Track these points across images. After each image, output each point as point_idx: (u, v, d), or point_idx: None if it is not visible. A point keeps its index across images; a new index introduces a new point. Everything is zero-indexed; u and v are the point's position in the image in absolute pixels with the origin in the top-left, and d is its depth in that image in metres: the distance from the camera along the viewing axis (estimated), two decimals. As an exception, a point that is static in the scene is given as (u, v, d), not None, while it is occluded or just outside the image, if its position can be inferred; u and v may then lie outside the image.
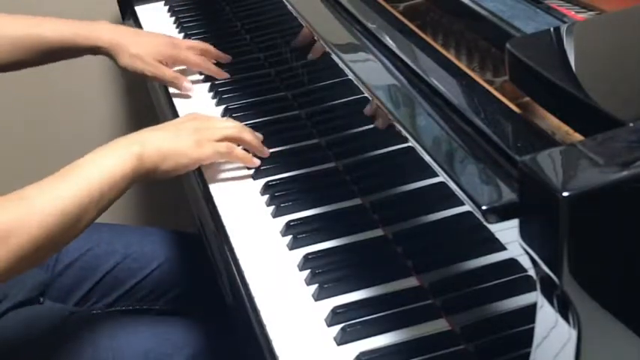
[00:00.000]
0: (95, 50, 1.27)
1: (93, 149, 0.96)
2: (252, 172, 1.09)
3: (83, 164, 0.93)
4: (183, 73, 1.31)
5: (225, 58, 1.34)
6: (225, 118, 1.13)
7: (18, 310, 1.13)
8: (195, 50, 1.31)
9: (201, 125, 1.05)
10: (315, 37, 0.97)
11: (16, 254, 0.84)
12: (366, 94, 0.87)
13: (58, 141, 1.80)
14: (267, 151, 1.10)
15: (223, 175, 1.10)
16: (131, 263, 1.28)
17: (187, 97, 1.29)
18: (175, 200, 1.65)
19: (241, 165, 1.10)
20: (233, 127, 1.07)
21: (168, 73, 1.27)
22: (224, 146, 1.05)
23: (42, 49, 1.25)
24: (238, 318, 0.91)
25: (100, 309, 1.25)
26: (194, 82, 1.31)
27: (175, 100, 1.29)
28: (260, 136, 1.11)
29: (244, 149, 1.09)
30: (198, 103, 1.28)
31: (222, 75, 1.31)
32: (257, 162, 1.08)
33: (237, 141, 1.07)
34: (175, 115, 1.26)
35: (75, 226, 0.90)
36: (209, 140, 1.04)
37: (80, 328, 1.10)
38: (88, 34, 1.25)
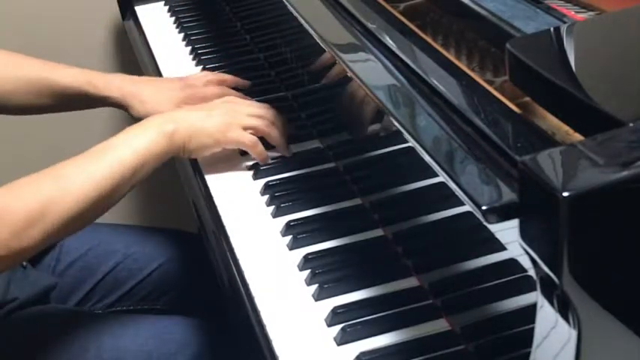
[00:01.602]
0: (106, 101, 1.22)
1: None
2: (252, 172, 1.09)
3: (116, 144, 0.96)
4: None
5: (244, 83, 1.27)
6: (261, 104, 1.12)
7: (24, 310, 1.13)
8: (212, 84, 1.24)
9: (234, 108, 1.06)
10: (316, 38, 0.97)
11: (50, 232, 0.88)
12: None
13: (61, 139, 1.80)
14: (289, 151, 1.11)
15: (223, 175, 1.10)
16: (131, 263, 1.28)
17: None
18: (176, 200, 1.65)
19: (241, 165, 1.10)
20: (263, 119, 1.07)
21: None
22: (248, 138, 1.05)
23: (54, 94, 1.21)
24: (238, 318, 0.91)
25: (101, 309, 1.25)
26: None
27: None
28: (286, 129, 1.11)
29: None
30: (198, 103, 1.28)
31: (245, 98, 1.23)
32: (269, 161, 1.09)
33: (263, 134, 1.08)
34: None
35: (107, 205, 0.94)
36: (238, 126, 1.04)
37: (84, 327, 1.11)
38: (99, 84, 1.20)
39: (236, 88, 1.26)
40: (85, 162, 0.93)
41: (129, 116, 1.23)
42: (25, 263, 1.17)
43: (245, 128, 1.06)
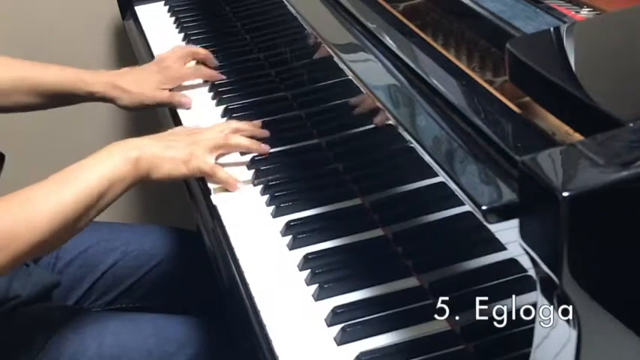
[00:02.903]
0: (93, 97, 1.28)
1: (94, 148, 0.98)
2: (252, 172, 1.09)
3: (83, 169, 0.96)
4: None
5: (212, 62, 1.34)
6: (217, 124, 1.14)
7: (26, 308, 1.13)
8: (183, 59, 1.32)
9: (194, 140, 1.07)
10: (317, 38, 0.97)
11: (17, 255, 0.88)
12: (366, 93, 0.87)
13: (60, 142, 1.80)
14: (267, 149, 1.11)
15: (223, 175, 1.10)
16: (131, 261, 1.28)
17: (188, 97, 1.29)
18: (174, 198, 1.65)
19: (241, 165, 1.10)
20: (221, 136, 1.09)
21: (160, 96, 1.28)
22: (209, 167, 1.06)
23: (43, 93, 1.25)
24: (238, 318, 0.91)
25: (101, 307, 1.26)
26: (195, 85, 1.32)
27: (175, 101, 1.29)
28: (258, 129, 1.14)
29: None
30: (198, 103, 1.28)
31: (217, 77, 1.32)
32: (238, 188, 1.07)
33: (228, 149, 1.09)
34: (174, 114, 1.26)
35: (74, 228, 0.94)
36: (199, 157, 1.06)
37: (85, 325, 1.11)
38: (87, 81, 1.26)
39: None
40: (53, 187, 0.93)
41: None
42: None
43: (210, 151, 1.07)
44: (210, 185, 1.08)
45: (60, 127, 1.80)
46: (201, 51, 1.34)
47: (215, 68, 1.34)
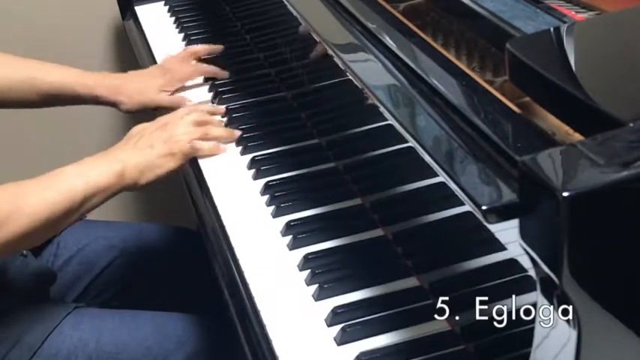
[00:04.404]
0: (95, 100, 1.28)
1: (93, 147, 1.00)
2: (252, 172, 1.09)
3: (69, 173, 1.01)
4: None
5: (217, 48, 1.35)
6: (187, 115, 1.15)
7: (24, 305, 1.13)
8: (185, 61, 1.33)
9: (169, 133, 1.10)
10: (316, 38, 0.97)
11: (1, 245, 0.92)
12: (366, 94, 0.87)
13: (58, 140, 1.80)
14: (237, 134, 1.16)
15: (223, 175, 1.10)
16: (129, 258, 1.28)
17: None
18: (174, 198, 1.65)
19: (241, 165, 1.10)
20: (196, 129, 1.12)
21: (162, 99, 1.30)
22: (189, 149, 1.10)
23: (43, 93, 1.26)
24: (238, 318, 0.91)
25: (99, 304, 1.26)
26: (195, 85, 1.32)
27: (175, 100, 1.29)
28: (221, 117, 1.19)
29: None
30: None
31: (221, 74, 1.32)
32: (224, 149, 1.13)
33: (204, 138, 1.12)
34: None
35: (56, 227, 1.00)
36: (179, 148, 1.09)
37: (84, 323, 1.11)
38: (88, 84, 1.27)
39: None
40: (42, 185, 0.98)
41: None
42: (25, 252, 1.17)
43: (188, 142, 1.10)
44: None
45: (58, 125, 1.80)
46: (199, 48, 1.35)
47: (216, 64, 1.34)
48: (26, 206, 0.94)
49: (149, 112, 1.35)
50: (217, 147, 1.14)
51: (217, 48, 1.35)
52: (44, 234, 1.00)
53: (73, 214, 0.99)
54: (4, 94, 1.24)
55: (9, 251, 1.01)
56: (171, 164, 1.08)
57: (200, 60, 1.34)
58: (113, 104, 1.28)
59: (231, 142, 1.15)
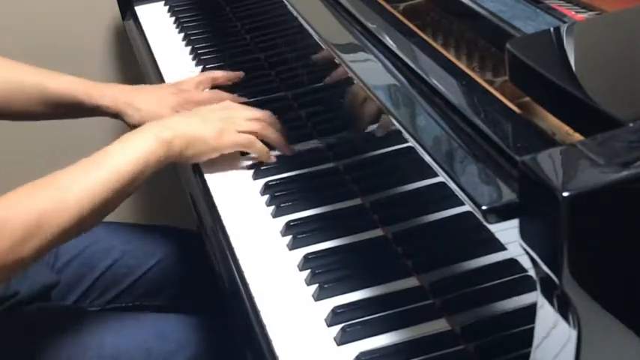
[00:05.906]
0: (101, 110, 1.23)
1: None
2: (252, 172, 1.09)
3: (113, 153, 0.95)
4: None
5: (236, 76, 1.29)
6: (254, 109, 1.12)
7: (25, 307, 1.13)
8: (202, 85, 1.26)
9: (228, 115, 1.07)
10: (317, 38, 0.97)
11: (47, 243, 0.87)
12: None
13: (60, 139, 1.80)
14: (291, 149, 1.11)
15: (224, 175, 1.10)
16: (129, 260, 1.28)
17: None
18: (174, 198, 1.65)
19: (241, 165, 1.10)
20: (258, 122, 1.08)
21: None
22: (244, 138, 1.06)
23: (48, 102, 1.22)
24: (238, 318, 0.91)
25: (100, 306, 1.26)
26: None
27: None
28: (282, 130, 1.12)
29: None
30: (198, 103, 1.28)
31: (236, 99, 1.24)
32: (273, 159, 1.09)
33: (260, 137, 1.08)
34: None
35: (103, 213, 0.94)
36: (233, 131, 1.05)
37: (85, 325, 1.11)
38: (94, 94, 1.22)
39: (231, 90, 1.26)
40: (82, 172, 0.92)
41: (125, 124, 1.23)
42: None
43: (242, 132, 1.06)
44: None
45: (60, 130, 1.80)
46: (218, 75, 1.29)
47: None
48: (67, 198, 0.89)
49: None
50: (268, 153, 1.08)
51: (237, 75, 1.29)
52: (92, 222, 0.93)
53: (122, 196, 0.94)
54: (14, 96, 1.20)
55: (55, 247, 0.93)
56: (214, 143, 1.03)
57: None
58: (121, 116, 1.23)
59: (287, 154, 1.11)
